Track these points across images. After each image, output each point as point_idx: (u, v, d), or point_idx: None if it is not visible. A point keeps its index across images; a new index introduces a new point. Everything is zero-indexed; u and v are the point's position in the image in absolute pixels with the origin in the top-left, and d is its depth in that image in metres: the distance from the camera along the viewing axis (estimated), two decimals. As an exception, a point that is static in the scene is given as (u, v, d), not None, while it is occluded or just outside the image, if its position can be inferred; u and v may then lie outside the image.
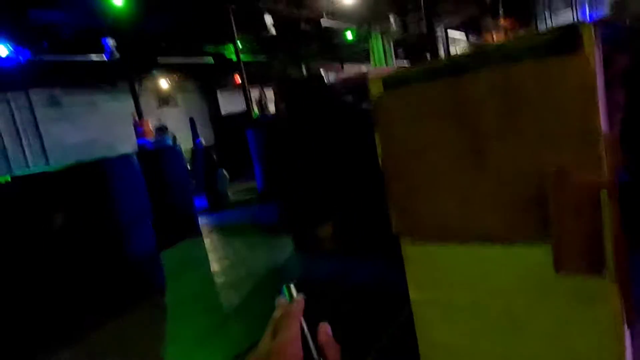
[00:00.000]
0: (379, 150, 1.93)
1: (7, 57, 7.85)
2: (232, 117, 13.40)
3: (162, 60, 11.37)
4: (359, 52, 14.91)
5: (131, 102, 12.57)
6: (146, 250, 4.17)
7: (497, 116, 1.54)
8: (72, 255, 3.60)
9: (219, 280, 4.37)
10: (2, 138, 11.56)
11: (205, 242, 6.10)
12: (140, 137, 10.22)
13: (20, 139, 11.93)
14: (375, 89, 1.88)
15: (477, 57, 1.58)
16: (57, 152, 12.19)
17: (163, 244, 5.76)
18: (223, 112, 16.32)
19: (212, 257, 5.25)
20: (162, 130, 13.99)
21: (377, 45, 14.39)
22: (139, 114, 11.44)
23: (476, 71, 1.56)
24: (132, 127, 10.93)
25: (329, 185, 4.25)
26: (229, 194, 9.14)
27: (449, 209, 1.75)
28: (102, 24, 8.43)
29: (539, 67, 1.38)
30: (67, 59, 10.64)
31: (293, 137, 4.51)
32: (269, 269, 4.45)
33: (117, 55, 8.75)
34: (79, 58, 10.68)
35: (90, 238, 3.74)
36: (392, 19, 13.35)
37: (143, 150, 6.61)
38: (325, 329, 0.53)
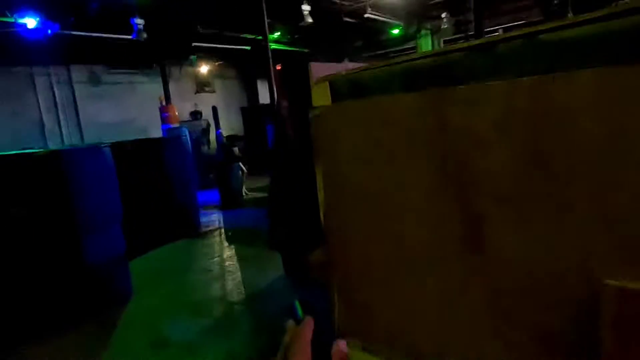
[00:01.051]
0: (320, 195, 1.25)
1: (35, 29, 7.70)
2: (261, 109, 12.89)
3: (197, 45, 11.02)
4: (406, 50, 13.95)
5: (170, 85, 12.45)
6: (111, 257, 3.68)
7: (517, 160, 0.81)
8: (15, 258, 3.16)
9: (188, 298, 3.82)
10: (41, 112, 11.69)
11: (199, 245, 5.60)
12: (165, 122, 9.96)
13: (58, 114, 12.05)
14: (319, 98, 1.18)
15: (492, 49, 0.85)
16: (93, 130, 12.24)
17: (154, 242, 5.33)
18: (261, 102, 15.93)
19: (197, 266, 4.72)
20: (196, 115, 13.83)
21: (425, 44, 13.39)
22: (167, 98, 11.19)
23: (490, 77, 0.84)
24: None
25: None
26: (245, 191, 8.66)
27: (422, 316, 1.05)
28: (133, 3, 8.14)
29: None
30: (107, 36, 10.55)
31: (290, 144, 3.85)
32: (251, 293, 3.85)
33: (144, 35, 8.43)
34: (119, 36, 10.58)
35: (39, 238, 3.28)
36: (444, 17, 12.28)
37: (145, 140, 6.20)
38: (341, 346, 0.52)
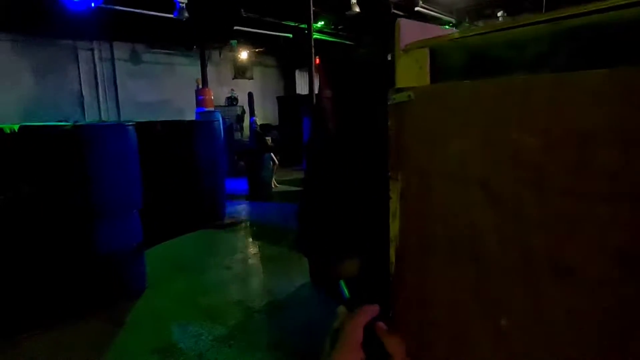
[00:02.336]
0: (393, 225, 0.82)
1: (79, 1, 7.58)
2: (297, 99, 12.53)
3: (238, 29, 10.73)
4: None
5: (209, 69, 12.29)
6: (125, 246, 3.38)
7: None
8: (21, 241, 2.89)
9: (203, 299, 3.47)
10: (81, 86, 11.74)
11: (221, 237, 5.28)
12: (199, 105, 9.74)
13: (98, 90, 12.09)
14: (409, 74, 0.75)
15: None
16: (130, 107, 12.25)
17: (175, 230, 5.04)
18: (299, 92, 15.59)
19: (217, 261, 4.39)
20: (231, 101, 13.62)
21: (476, 43, 12.58)
22: (204, 81, 10.97)
23: None
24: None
25: (367, 206, 3.10)
26: (275, 182, 8.31)
27: None
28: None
29: None
30: (148, 13, 10.42)
31: (329, 139, 3.41)
32: (272, 301, 3.47)
33: (186, 14, 8.17)
34: (161, 14, 10.44)
35: (48, 219, 3.00)
36: (500, 16, 11.49)
37: (173, 122, 5.91)
38: (381, 326, 0.49)
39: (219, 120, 6.20)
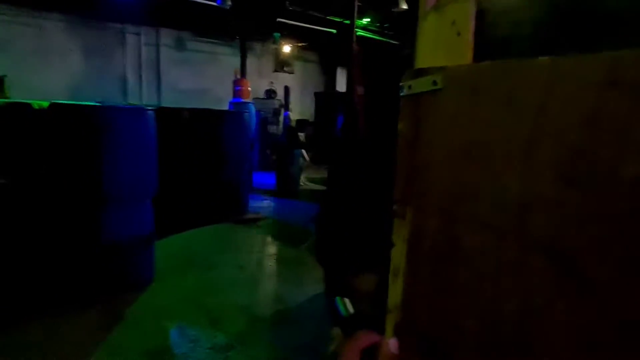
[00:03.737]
0: (396, 259, 0.53)
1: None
2: (335, 96, 12.23)
3: (282, 21, 10.55)
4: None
5: (250, 60, 12.23)
6: (134, 236, 3.22)
7: None
8: (23, 222, 2.77)
9: (209, 299, 3.26)
10: (125, 70, 11.97)
11: (240, 233, 5.07)
12: (236, 96, 9.63)
13: (141, 74, 12.29)
14: (439, 47, 0.45)
15: None
16: (170, 94, 12.39)
17: (193, 221, 4.89)
18: (339, 89, 15.30)
19: (230, 258, 4.18)
20: (270, 94, 13.52)
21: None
22: (243, 72, 10.88)
23: None
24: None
25: (389, 217, 2.78)
26: (303, 180, 8.07)
27: None
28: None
29: None
30: (194, 1, 10.43)
31: (359, 140, 3.11)
32: (282, 310, 3.22)
33: (229, 3, 8.05)
34: (204, 1, 10.43)
35: (54, 202, 2.87)
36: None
37: (206, 111, 5.75)
38: (389, 346, 0.44)
39: (250, 112, 6.01)
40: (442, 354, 0.44)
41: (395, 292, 0.51)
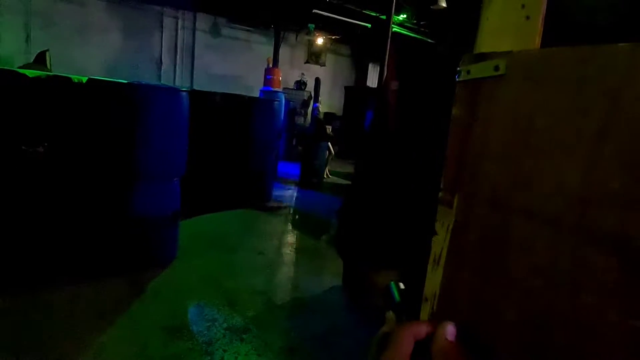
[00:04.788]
0: (437, 246, 0.52)
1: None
2: (366, 91, 12.12)
3: (317, 12, 10.50)
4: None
5: (283, 50, 12.26)
6: (162, 213, 3.29)
7: None
8: (60, 195, 2.88)
9: (228, 282, 3.31)
10: (161, 52, 12.18)
11: (261, 220, 5.12)
12: (266, 84, 9.68)
13: (176, 57, 12.49)
14: (503, 31, 0.43)
15: None
16: (203, 78, 12.57)
17: (217, 204, 4.97)
18: (369, 85, 15.18)
19: (251, 244, 4.22)
20: (300, 85, 13.53)
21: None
22: (275, 61, 10.91)
23: None
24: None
25: (417, 216, 2.74)
26: (327, 172, 8.07)
27: None
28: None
29: None
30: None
31: (391, 136, 3.09)
32: (299, 298, 3.26)
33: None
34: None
35: (87, 174, 2.96)
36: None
37: (237, 97, 5.79)
38: (445, 331, 0.40)
39: (280, 101, 6.03)
40: (482, 345, 0.43)
41: (433, 281, 0.50)
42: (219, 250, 3.93)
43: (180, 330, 2.59)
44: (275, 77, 9.71)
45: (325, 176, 7.89)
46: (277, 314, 2.97)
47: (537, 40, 0.44)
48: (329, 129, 8.16)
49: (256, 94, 10.80)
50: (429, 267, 0.50)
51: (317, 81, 10.19)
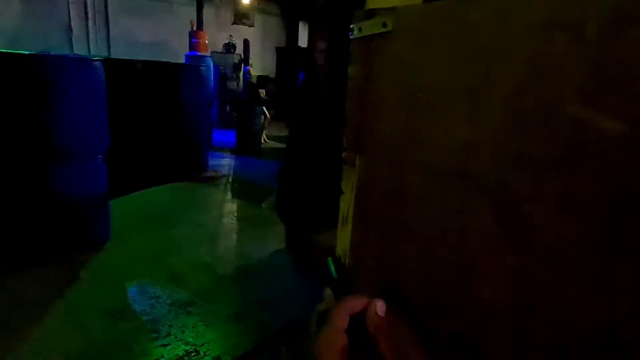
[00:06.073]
0: (344, 206, 0.53)
1: None
2: (297, 51, 11.90)
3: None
4: None
5: (207, 11, 11.54)
6: (87, 193, 3.09)
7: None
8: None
9: (169, 258, 3.24)
10: (70, 18, 11.02)
11: (199, 191, 5.00)
12: (192, 49, 9.16)
13: (87, 23, 11.37)
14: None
15: None
16: (121, 46, 11.58)
17: (150, 179, 4.75)
18: (301, 45, 14.87)
19: (190, 217, 4.12)
20: (229, 48, 12.94)
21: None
22: (200, 23, 10.31)
23: None
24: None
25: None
26: (265, 137, 7.96)
27: None
28: None
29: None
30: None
31: (323, 96, 3.08)
32: (244, 265, 3.27)
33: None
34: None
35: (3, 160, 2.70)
36: None
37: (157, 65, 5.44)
38: (376, 307, 0.42)
39: (207, 66, 5.76)
40: (392, 294, 0.45)
41: (343, 239, 0.51)
42: (156, 227, 3.80)
43: (123, 312, 2.51)
44: (200, 40, 9.21)
45: (263, 141, 7.79)
46: (223, 284, 2.97)
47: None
48: (263, 92, 7.97)
49: (183, 60, 10.21)
50: (339, 226, 0.52)
51: (246, 43, 9.83)
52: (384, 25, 0.42)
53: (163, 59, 8.57)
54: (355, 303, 0.43)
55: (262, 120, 7.43)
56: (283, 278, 3.07)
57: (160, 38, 12.04)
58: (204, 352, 2.24)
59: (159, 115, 4.80)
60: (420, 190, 0.41)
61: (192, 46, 9.21)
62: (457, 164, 0.38)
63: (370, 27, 0.43)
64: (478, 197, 0.38)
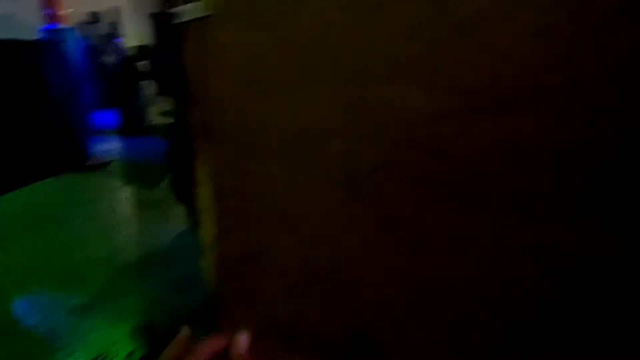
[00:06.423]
0: (203, 200, 0.53)
1: None
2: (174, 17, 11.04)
3: None
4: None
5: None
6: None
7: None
8: None
9: (60, 259, 2.94)
10: None
11: (84, 182, 4.56)
12: (48, 22, 7.94)
13: None
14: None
15: None
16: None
17: (24, 176, 4.20)
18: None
19: (78, 212, 3.75)
20: (94, 18, 11.50)
21: None
22: (53, -10, 8.95)
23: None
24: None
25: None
26: (153, 114, 7.40)
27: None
28: None
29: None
30: None
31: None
32: (147, 255, 3.09)
33: None
34: None
35: None
36: None
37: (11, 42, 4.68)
38: (237, 344, 0.40)
39: (69, 40, 5.09)
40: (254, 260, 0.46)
41: (207, 231, 0.50)
42: (40, 228, 3.41)
43: (9, 330, 2.25)
44: (56, 10, 8.01)
45: (149, 119, 7.25)
46: (126, 277, 2.80)
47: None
48: (142, 65, 7.32)
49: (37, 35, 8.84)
50: (201, 219, 0.51)
51: (115, 11, 8.83)
52: (206, 8, 0.40)
53: (11, 36, 7.36)
54: (215, 343, 0.41)
55: (147, 96, 6.88)
56: (193, 259, 2.98)
57: (2, 11, 10.25)
58: (116, 351, 2.13)
59: (19, 104, 4.18)
60: (265, 176, 0.42)
61: (48, 18, 7.99)
62: (294, 147, 0.39)
63: (193, 12, 0.41)
64: (319, 181, 0.39)
